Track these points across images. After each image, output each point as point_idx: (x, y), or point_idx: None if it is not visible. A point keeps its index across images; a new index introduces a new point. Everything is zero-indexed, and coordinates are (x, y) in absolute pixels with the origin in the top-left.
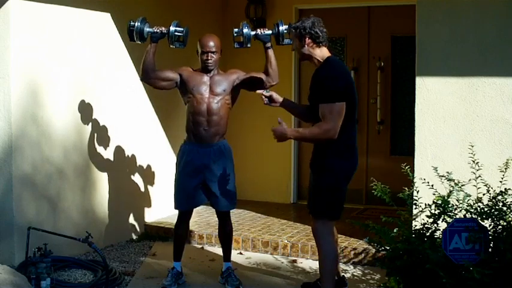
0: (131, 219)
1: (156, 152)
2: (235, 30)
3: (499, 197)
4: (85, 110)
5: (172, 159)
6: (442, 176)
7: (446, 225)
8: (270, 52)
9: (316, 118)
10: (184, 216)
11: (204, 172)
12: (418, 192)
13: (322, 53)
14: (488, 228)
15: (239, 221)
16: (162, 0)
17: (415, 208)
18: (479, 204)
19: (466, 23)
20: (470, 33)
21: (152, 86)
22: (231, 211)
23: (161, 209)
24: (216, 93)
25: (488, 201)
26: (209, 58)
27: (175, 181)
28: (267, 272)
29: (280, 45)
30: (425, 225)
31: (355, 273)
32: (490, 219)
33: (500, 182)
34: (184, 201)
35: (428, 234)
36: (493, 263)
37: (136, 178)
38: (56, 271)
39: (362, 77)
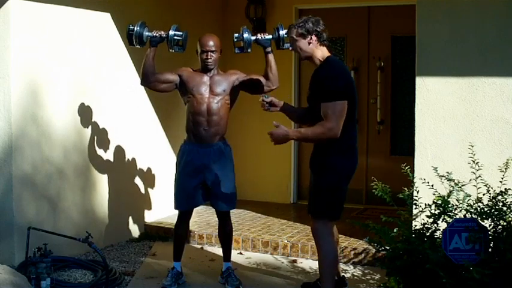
0: (131, 219)
1: (156, 152)
2: (236, 35)
3: (499, 197)
4: (85, 110)
5: (172, 159)
6: (442, 176)
7: (446, 225)
8: (270, 57)
9: (316, 119)
10: (184, 216)
11: (204, 172)
12: (418, 192)
13: (322, 52)
14: (488, 228)
15: (239, 221)
16: (162, 0)
17: (415, 208)
18: (479, 204)
19: (466, 23)
20: (470, 33)
21: (153, 89)
22: (231, 211)
23: (161, 209)
24: (216, 93)
25: (488, 201)
26: (209, 57)
27: (175, 181)
28: (267, 272)
29: (281, 49)
30: (425, 225)
31: (355, 273)
32: (490, 219)
33: (500, 182)
34: (184, 201)
35: (428, 234)
36: (493, 263)
37: (137, 178)
38: (56, 271)
39: (362, 77)
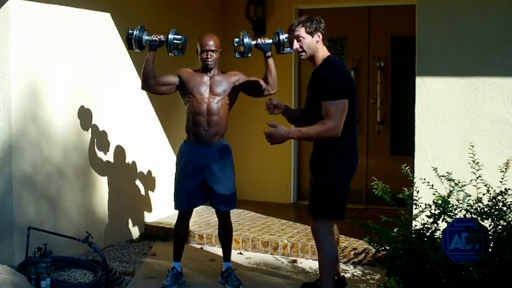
0: (131, 219)
1: (156, 152)
2: (236, 40)
3: (499, 197)
4: (85, 110)
5: (172, 159)
6: (442, 176)
7: (446, 225)
8: (270, 61)
9: (316, 118)
10: (184, 216)
11: (204, 172)
12: (418, 192)
13: (323, 52)
14: (488, 228)
15: (239, 221)
16: (162, 0)
17: (415, 208)
18: (479, 204)
19: (466, 23)
20: (470, 33)
21: (153, 93)
22: (231, 211)
23: (161, 209)
24: (216, 93)
25: (488, 201)
26: (209, 57)
27: (175, 181)
28: (267, 272)
29: (281, 54)
30: (425, 225)
31: (355, 273)
32: (490, 219)
33: (501, 182)
34: (184, 201)
35: (428, 234)
36: (493, 263)
37: (137, 178)
38: (56, 271)
39: (362, 77)
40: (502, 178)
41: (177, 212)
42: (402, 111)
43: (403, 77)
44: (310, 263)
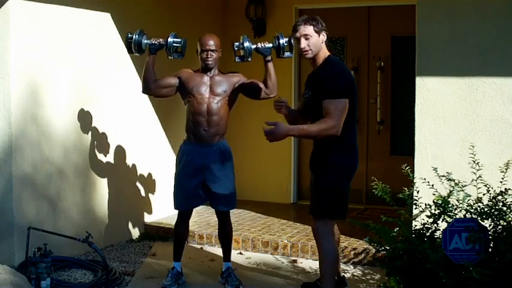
0: (131, 219)
1: (156, 152)
2: (236, 44)
3: (499, 197)
4: (85, 110)
5: (172, 159)
6: (442, 176)
7: (446, 225)
8: (270, 65)
9: (315, 118)
10: (184, 216)
11: (203, 172)
12: (418, 192)
13: (325, 51)
14: (488, 228)
15: (239, 221)
16: (162, 0)
17: (415, 208)
18: (479, 204)
19: (466, 23)
20: (470, 33)
21: (154, 96)
22: (230, 211)
23: (161, 209)
24: (216, 93)
25: (488, 201)
26: (209, 56)
27: (175, 181)
28: (267, 272)
29: (281, 58)
30: (425, 225)
31: (355, 273)
32: (490, 219)
33: (501, 182)
34: (184, 201)
35: (428, 234)
36: (493, 263)
37: (137, 178)
38: (56, 271)
39: (362, 77)
40: (502, 178)
41: (177, 212)
42: (402, 111)
43: (403, 77)
44: (310, 263)
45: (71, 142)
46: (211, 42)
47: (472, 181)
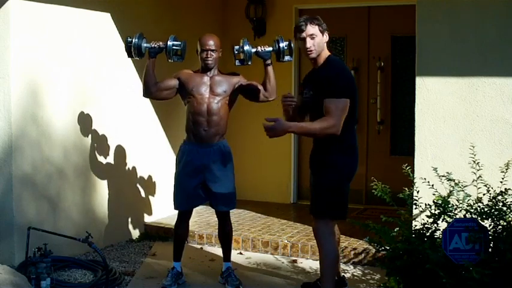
0: (131, 219)
1: (156, 152)
2: (236, 47)
3: (499, 197)
4: (85, 110)
5: (172, 159)
6: (442, 176)
7: (446, 225)
8: (270, 69)
9: (315, 117)
10: (184, 216)
11: (203, 172)
12: (418, 192)
13: (325, 51)
14: (488, 228)
15: (239, 221)
16: (162, 0)
17: (415, 208)
18: (479, 204)
19: (466, 23)
20: (470, 33)
21: (155, 99)
22: (230, 211)
23: (161, 209)
24: (217, 93)
25: (488, 201)
26: (208, 56)
27: (175, 181)
28: (267, 272)
29: (281, 62)
30: (425, 225)
31: (355, 273)
32: (490, 219)
33: (501, 182)
34: (184, 201)
35: (428, 234)
36: (493, 263)
37: (137, 178)
38: (56, 271)
39: (362, 77)
40: (502, 178)
41: (177, 212)
42: (402, 111)
43: (403, 77)
44: (310, 263)
45: (71, 142)
46: (211, 42)
47: (473, 181)
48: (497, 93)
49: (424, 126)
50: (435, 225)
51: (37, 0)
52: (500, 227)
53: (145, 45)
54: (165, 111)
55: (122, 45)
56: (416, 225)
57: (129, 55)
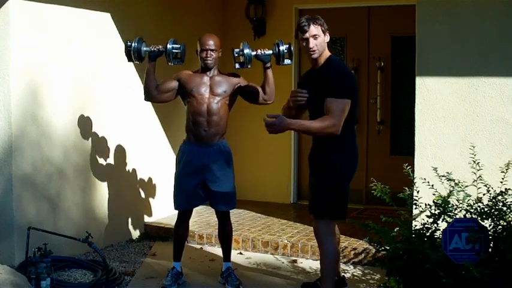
0: (131, 219)
1: (156, 152)
2: (236, 50)
3: (499, 197)
4: (85, 110)
5: (172, 159)
6: (442, 176)
7: (446, 225)
8: (269, 72)
9: (314, 115)
10: (184, 216)
11: (203, 172)
12: (418, 192)
13: (326, 51)
14: (488, 228)
15: (239, 221)
16: (162, 0)
17: (415, 208)
18: (479, 204)
19: (466, 23)
20: (470, 33)
21: (157, 102)
22: (230, 211)
23: (161, 209)
24: (216, 93)
25: (488, 201)
26: (208, 56)
27: (174, 181)
28: (267, 272)
29: (280, 65)
30: (425, 225)
31: (355, 273)
32: (490, 219)
33: (501, 182)
34: (184, 201)
35: (428, 234)
36: (493, 263)
37: (137, 178)
38: (56, 271)
39: (362, 77)
40: (502, 178)
41: (177, 212)
42: (402, 111)
43: (403, 77)
44: (310, 263)
45: (71, 142)
46: (211, 42)
47: (472, 181)
48: (497, 93)
49: (424, 126)
50: (435, 225)
51: (37, 0)
52: (500, 227)
53: (144, 49)
54: (165, 111)
55: (122, 45)
56: (416, 225)
57: (129, 59)
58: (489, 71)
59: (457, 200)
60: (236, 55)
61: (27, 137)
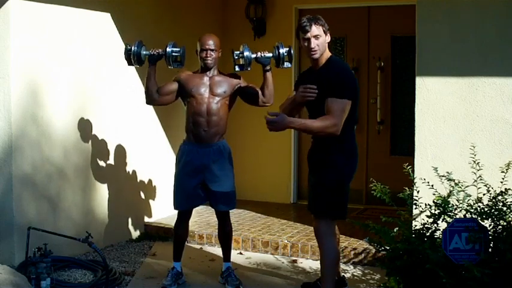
0: (131, 219)
1: (156, 152)
2: (236, 52)
3: (499, 197)
4: (85, 110)
5: (172, 159)
6: (442, 176)
7: (446, 225)
8: (269, 75)
9: (314, 115)
10: (183, 216)
11: (203, 172)
12: (418, 192)
13: (327, 51)
14: (488, 228)
15: (239, 221)
16: (162, 0)
17: (415, 208)
18: (479, 204)
19: (466, 23)
20: (470, 33)
21: (159, 105)
22: (230, 211)
23: (161, 209)
24: (216, 93)
25: (488, 201)
26: (208, 55)
27: (174, 181)
28: (267, 272)
29: (280, 68)
30: (425, 225)
31: (355, 273)
32: (490, 219)
33: (501, 182)
34: (184, 201)
35: (428, 234)
36: (493, 263)
37: (137, 178)
38: (56, 271)
39: (362, 77)
40: (503, 178)
41: (176, 212)
42: (402, 111)
43: (403, 77)
44: (310, 263)
45: (71, 142)
46: (211, 42)
47: (474, 181)
48: (497, 93)
49: (424, 126)
50: (435, 225)
51: (37, 0)
52: (500, 227)
53: (144, 52)
54: (165, 111)
55: (122, 45)
56: (416, 225)
57: (129, 63)
58: (489, 71)
59: (457, 200)
60: (236, 57)
61: (27, 137)
